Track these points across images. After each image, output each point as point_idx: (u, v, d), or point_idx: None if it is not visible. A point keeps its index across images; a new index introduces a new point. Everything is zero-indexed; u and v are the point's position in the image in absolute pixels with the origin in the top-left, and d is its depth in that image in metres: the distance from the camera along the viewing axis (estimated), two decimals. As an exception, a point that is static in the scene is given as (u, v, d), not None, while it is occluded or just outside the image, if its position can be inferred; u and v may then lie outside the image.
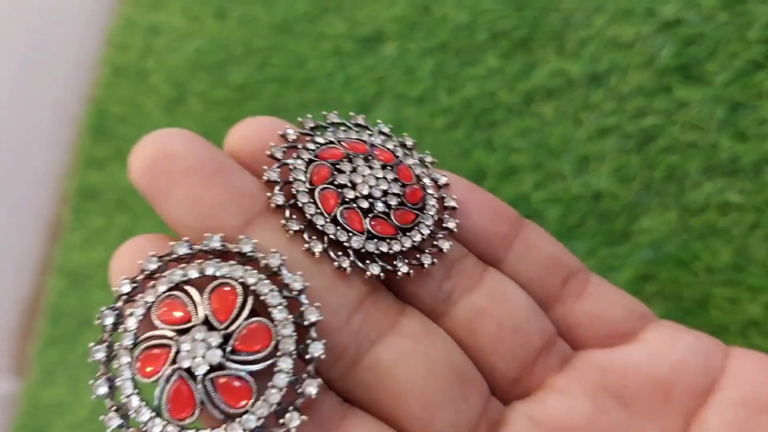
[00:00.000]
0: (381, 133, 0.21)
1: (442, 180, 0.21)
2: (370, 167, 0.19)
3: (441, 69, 0.41)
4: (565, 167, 0.35)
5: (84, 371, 0.43)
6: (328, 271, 0.18)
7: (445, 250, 0.19)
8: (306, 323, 0.17)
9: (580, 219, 0.35)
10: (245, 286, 0.17)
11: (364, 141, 0.20)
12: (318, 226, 0.18)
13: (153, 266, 0.17)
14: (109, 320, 0.17)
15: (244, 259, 0.17)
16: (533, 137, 0.36)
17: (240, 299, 0.17)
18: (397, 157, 0.20)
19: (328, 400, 0.18)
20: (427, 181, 0.20)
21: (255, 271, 0.17)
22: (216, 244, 0.17)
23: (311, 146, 0.19)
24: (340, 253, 0.18)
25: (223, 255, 0.17)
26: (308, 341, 0.17)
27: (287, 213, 0.18)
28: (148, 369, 0.16)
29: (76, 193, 0.48)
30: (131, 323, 0.17)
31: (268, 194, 0.18)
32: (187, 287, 0.17)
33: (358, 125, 0.21)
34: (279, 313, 0.17)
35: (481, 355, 0.19)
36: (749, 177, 0.32)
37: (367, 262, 0.18)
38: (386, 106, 0.42)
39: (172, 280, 0.17)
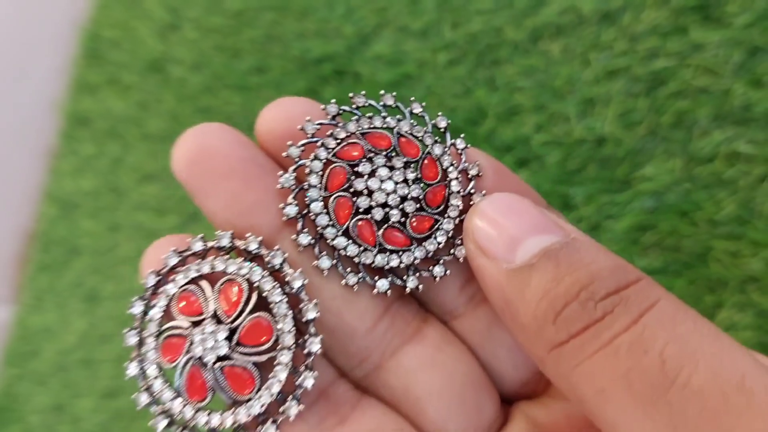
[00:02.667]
0: (412, 114, 0.20)
1: (473, 171, 0.19)
2: (391, 167, 0.19)
3: (446, 0, 0.39)
4: (568, 109, 0.34)
5: (72, 299, 0.43)
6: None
7: (461, 260, 0.19)
8: (304, 320, 0.18)
9: (581, 164, 0.33)
10: (250, 283, 0.18)
11: (391, 129, 0.19)
12: (328, 240, 0.18)
13: (174, 261, 0.19)
14: (138, 309, 0.19)
15: (251, 256, 0.19)
16: (537, 77, 0.34)
17: (245, 295, 0.18)
18: (426, 146, 0.19)
19: (342, 387, 0.19)
20: (454, 174, 0.19)
21: (259, 269, 0.18)
22: (225, 241, 0.18)
23: (331, 143, 0.19)
24: (349, 268, 0.18)
25: (234, 251, 0.19)
26: (307, 336, 0.18)
27: (299, 225, 0.18)
28: (168, 357, 0.18)
29: (68, 120, 0.47)
30: (155, 313, 0.19)
31: (280, 205, 0.18)
32: (202, 282, 0.19)
33: (386, 106, 0.20)
34: (279, 309, 0.18)
35: (492, 359, 0.20)
36: (761, 127, 0.31)
37: (376, 277, 0.18)
38: (387, 38, 0.40)
39: (188, 275, 0.19)
